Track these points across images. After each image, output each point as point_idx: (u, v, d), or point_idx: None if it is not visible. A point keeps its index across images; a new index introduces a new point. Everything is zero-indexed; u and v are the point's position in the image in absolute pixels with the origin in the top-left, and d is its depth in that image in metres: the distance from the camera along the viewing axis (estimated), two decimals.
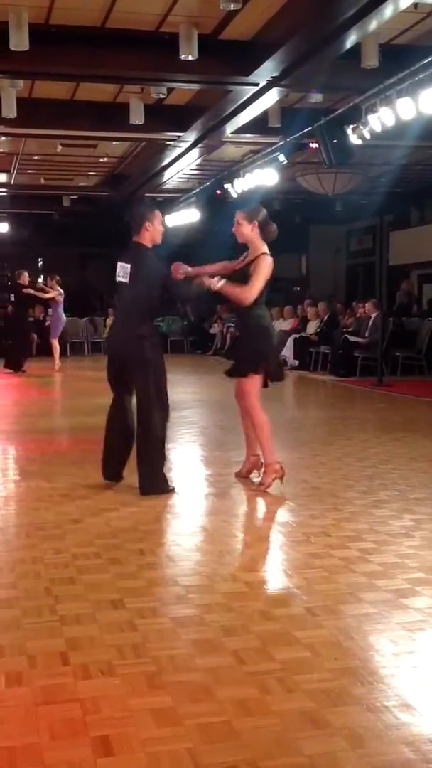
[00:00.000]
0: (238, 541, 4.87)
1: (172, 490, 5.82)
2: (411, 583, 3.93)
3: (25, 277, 16.36)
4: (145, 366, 5.73)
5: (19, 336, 16.78)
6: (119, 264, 5.88)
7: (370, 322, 15.00)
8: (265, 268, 5.96)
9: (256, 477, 6.20)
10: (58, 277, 16.79)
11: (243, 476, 6.26)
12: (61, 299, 16.66)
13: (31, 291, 16.51)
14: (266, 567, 4.39)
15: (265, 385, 6.10)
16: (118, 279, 5.88)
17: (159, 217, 5.93)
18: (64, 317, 17.11)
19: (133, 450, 5.88)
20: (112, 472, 6.04)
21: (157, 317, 5.92)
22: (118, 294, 5.99)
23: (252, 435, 6.20)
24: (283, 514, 5.33)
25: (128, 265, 5.82)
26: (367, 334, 14.97)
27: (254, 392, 6.01)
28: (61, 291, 16.65)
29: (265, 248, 6.06)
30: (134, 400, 5.90)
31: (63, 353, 17.84)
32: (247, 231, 6.08)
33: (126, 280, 5.82)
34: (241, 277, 6.00)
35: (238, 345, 6.26)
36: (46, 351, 17.71)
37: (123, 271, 5.84)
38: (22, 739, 2.55)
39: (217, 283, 5.86)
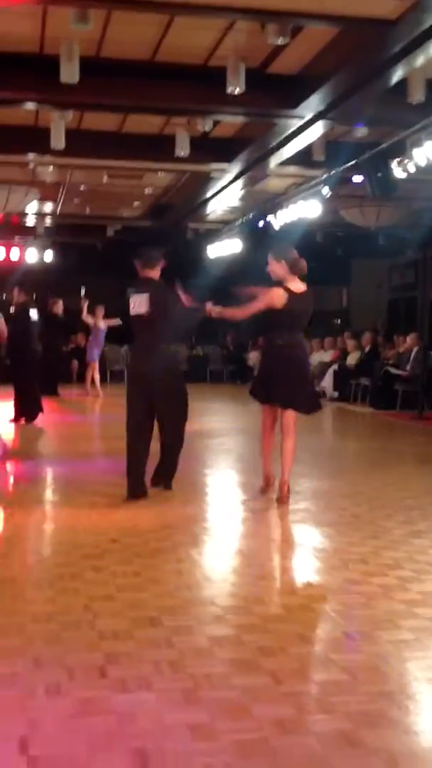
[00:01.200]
0: (275, 564, 4.87)
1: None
2: None
3: (60, 306, 16.54)
4: (178, 388, 6.48)
5: (48, 364, 16.60)
6: (135, 296, 6.33)
7: (412, 356, 14.94)
8: (269, 293, 6.37)
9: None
10: (102, 309, 17.15)
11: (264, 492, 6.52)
12: (101, 328, 17.03)
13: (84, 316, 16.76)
14: (303, 591, 4.38)
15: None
16: (136, 312, 6.35)
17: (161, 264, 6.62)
18: (102, 343, 17.37)
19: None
20: (141, 489, 6.42)
21: (179, 341, 6.56)
22: (136, 324, 6.43)
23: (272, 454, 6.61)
24: (321, 540, 5.32)
25: (146, 295, 6.33)
26: (408, 368, 14.91)
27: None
28: (105, 323, 17.00)
29: (289, 282, 6.28)
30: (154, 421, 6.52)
31: (103, 380, 18.05)
32: (278, 269, 6.36)
33: (143, 310, 6.32)
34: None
35: (283, 375, 6.45)
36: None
37: (138, 302, 6.36)
38: (60, 748, 2.58)
39: (214, 310, 6.51)
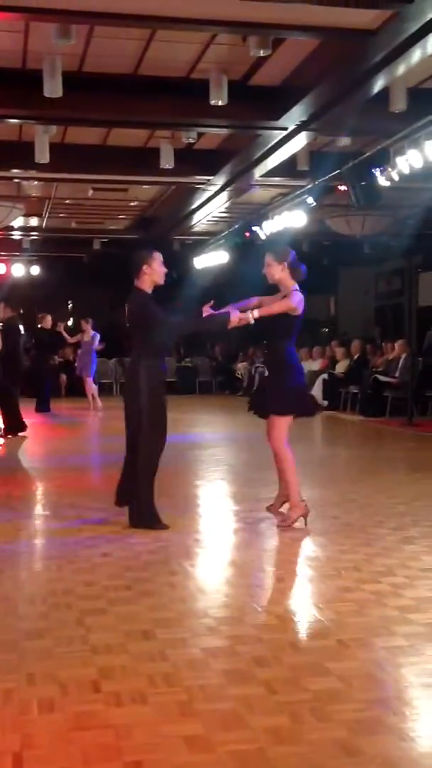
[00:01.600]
0: (268, 574, 4.86)
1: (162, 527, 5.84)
2: None
3: (48, 321, 16.51)
4: (140, 410, 5.86)
5: (37, 380, 16.49)
6: (126, 308, 6.10)
7: (401, 362, 14.99)
8: (295, 298, 6.05)
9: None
10: (91, 320, 17.16)
11: (275, 510, 6.24)
12: (92, 340, 17.07)
13: (65, 336, 16.90)
14: (297, 600, 4.37)
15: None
16: (127, 324, 6.13)
17: (158, 258, 6.08)
18: (93, 357, 17.37)
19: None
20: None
21: (157, 358, 6.05)
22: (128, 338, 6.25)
23: None
24: (313, 549, 5.32)
25: (127, 309, 6.08)
26: (397, 374, 14.95)
27: (284, 430, 6.03)
28: (94, 333, 17.06)
29: (295, 286, 6.14)
30: None
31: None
32: (278, 272, 6.17)
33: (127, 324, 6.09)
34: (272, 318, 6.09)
35: (273, 383, 6.30)
36: (76, 392, 17.84)
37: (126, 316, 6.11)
38: (56, 764, 2.57)
39: (254, 314, 5.96)
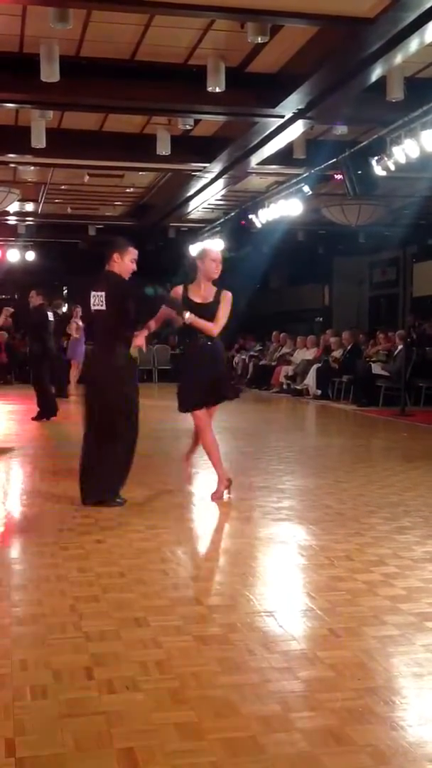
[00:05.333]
0: (261, 563, 4.88)
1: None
2: None
3: (62, 305, 16.99)
4: (118, 396, 6.01)
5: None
6: (93, 294, 6.08)
7: (396, 352, 15.02)
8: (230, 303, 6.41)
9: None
10: (79, 309, 17.17)
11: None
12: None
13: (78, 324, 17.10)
14: (289, 589, 4.39)
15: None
16: (94, 308, 6.09)
17: (131, 254, 6.15)
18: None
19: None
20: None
21: (130, 339, 6.12)
22: (95, 323, 6.21)
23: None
24: (305, 538, 5.34)
25: (102, 293, 6.04)
26: (392, 364, 14.97)
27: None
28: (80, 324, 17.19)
29: None
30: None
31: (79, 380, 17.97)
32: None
33: (102, 307, 6.04)
34: (207, 311, 6.30)
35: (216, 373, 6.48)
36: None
37: (97, 299, 6.06)
38: (48, 750, 2.58)
39: (188, 317, 6.21)
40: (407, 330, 15.00)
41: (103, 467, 6.09)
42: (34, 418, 12.26)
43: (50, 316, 12.77)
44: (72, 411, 13.85)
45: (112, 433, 6.02)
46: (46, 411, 12.32)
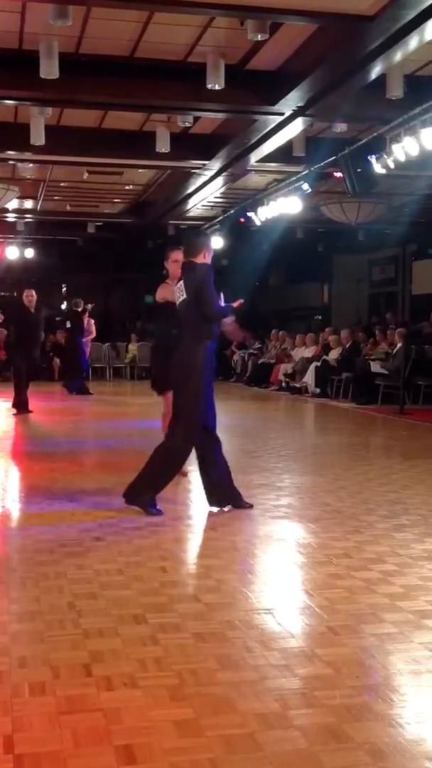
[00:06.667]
0: (260, 560, 4.88)
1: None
2: None
3: (80, 304, 17.17)
4: (193, 390, 5.78)
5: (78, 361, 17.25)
6: (179, 285, 5.92)
7: (395, 351, 15.01)
8: None
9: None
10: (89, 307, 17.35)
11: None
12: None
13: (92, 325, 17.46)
14: (287, 586, 4.39)
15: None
16: (180, 300, 5.91)
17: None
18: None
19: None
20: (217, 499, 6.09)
21: (209, 332, 5.87)
22: (179, 316, 6.02)
23: None
24: (304, 536, 5.34)
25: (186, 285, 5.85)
26: (392, 363, 14.96)
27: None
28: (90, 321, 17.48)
29: None
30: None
31: (86, 377, 18.12)
32: None
33: (185, 296, 5.84)
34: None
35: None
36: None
37: (180, 292, 5.91)
38: (46, 746, 2.58)
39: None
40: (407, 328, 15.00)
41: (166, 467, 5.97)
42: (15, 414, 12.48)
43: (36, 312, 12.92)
44: (43, 408, 13.95)
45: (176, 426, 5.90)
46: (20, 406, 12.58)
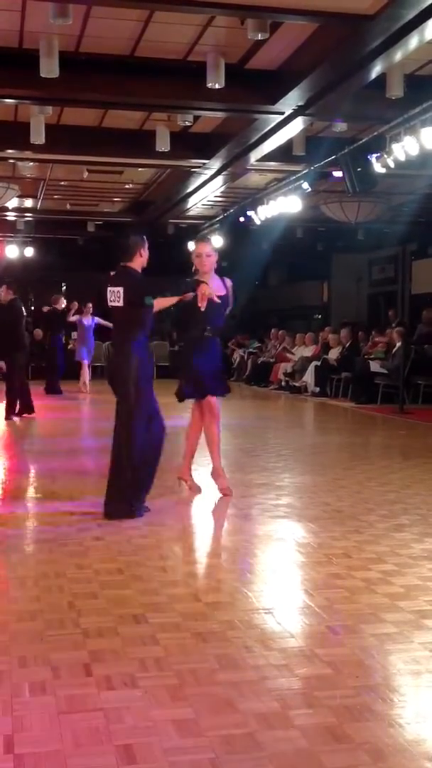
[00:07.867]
0: (260, 560, 4.88)
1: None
2: None
3: (62, 302, 16.81)
4: (136, 391, 5.77)
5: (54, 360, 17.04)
6: (109, 289, 5.94)
7: (395, 350, 15.02)
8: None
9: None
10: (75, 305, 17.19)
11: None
12: (86, 325, 17.20)
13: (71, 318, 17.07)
14: (287, 586, 4.40)
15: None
16: (111, 304, 5.95)
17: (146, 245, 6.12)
18: (91, 341, 17.61)
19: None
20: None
21: (149, 336, 6.02)
22: (113, 318, 6.10)
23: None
24: (304, 536, 5.34)
25: (120, 288, 5.88)
26: (391, 362, 14.97)
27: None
28: (93, 318, 17.25)
29: None
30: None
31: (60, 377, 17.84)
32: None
33: (119, 303, 5.89)
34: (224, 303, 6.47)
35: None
36: (70, 374, 17.97)
37: (114, 295, 5.92)
38: (47, 746, 2.58)
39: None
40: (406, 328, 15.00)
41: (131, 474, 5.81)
42: (16, 414, 12.13)
43: (23, 310, 12.60)
44: (43, 408, 13.87)
45: (131, 432, 5.81)
46: (25, 406, 12.30)
